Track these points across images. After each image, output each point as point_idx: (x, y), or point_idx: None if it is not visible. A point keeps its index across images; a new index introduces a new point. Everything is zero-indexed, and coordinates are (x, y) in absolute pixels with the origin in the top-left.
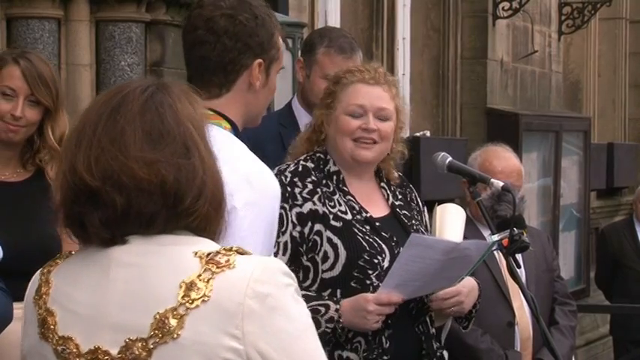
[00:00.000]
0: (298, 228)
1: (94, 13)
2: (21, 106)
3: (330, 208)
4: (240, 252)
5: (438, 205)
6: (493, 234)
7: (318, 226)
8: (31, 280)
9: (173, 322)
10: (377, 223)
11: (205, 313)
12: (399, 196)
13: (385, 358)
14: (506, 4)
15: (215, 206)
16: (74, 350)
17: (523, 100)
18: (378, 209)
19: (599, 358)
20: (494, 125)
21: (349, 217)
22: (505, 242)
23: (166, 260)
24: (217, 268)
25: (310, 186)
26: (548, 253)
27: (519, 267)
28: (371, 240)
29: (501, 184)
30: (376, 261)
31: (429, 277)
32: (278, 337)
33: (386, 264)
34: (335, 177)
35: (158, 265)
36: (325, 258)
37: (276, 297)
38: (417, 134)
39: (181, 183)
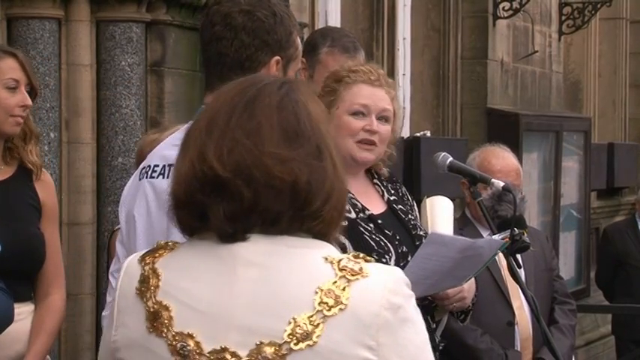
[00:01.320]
0: None
1: (94, 13)
2: (27, 96)
3: None
4: (366, 259)
5: (427, 197)
6: (494, 234)
7: None
8: (124, 270)
9: (310, 328)
10: (379, 221)
11: (342, 321)
12: (392, 192)
13: None
14: (507, 4)
15: (339, 212)
16: (195, 348)
17: (523, 100)
18: (375, 206)
19: (600, 358)
20: (495, 125)
21: (353, 215)
22: None
23: (297, 263)
24: (352, 275)
25: None
26: (547, 252)
27: (520, 267)
28: (377, 239)
29: (502, 184)
30: (384, 261)
31: (440, 275)
32: (408, 350)
33: (392, 263)
34: None
35: (289, 268)
36: None
37: (406, 309)
38: (417, 134)
39: (312, 185)
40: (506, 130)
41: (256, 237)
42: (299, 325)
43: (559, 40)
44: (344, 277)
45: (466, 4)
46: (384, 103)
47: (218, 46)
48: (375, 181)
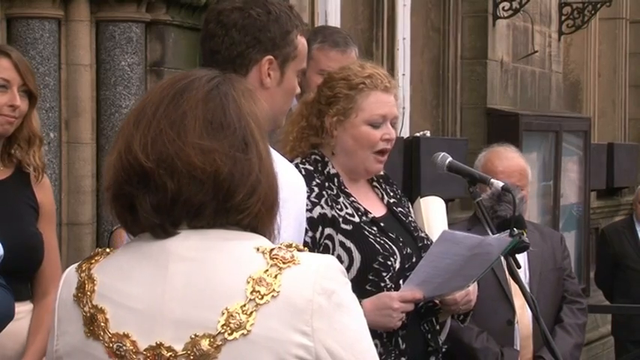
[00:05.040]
0: (310, 233)
1: (94, 13)
2: (17, 96)
3: (338, 211)
4: (299, 249)
5: (421, 198)
6: (493, 234)
7: (328, 230)
8: (63, 279)
9: (243, 317)
10: (381, 224)
11: (275, 308)
12: (391, 194)
13: (403, 359)
14: (507, 4)
15: (267, 207)
16: (131, 347)
17: (523, 100)
18: (377, 209)
19: (599, 358)
20: (495, 125)
21: (357, 219)
22: None
23: (228, 255)
24: (283, 263)
25: (316, 189)
26: (558, 253)
27: (519, 267)
28: (382, 242)
29: (501, 184)
30: (389, 263)
31: (450, 274)
32: (344, 335)
33: (397, 265)
34: (336, 179)
35: (220, 260)
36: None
37: (340, 294)
38: (417, 134)
39: (235, 177)
40: (506, 130)
41: (187, 232)
42: (232, 315)
43: (559, 40)
44: (275, 265)
45: (466, 4)
46: (395, 110)
47: (210, 44)
48: (375, 184)
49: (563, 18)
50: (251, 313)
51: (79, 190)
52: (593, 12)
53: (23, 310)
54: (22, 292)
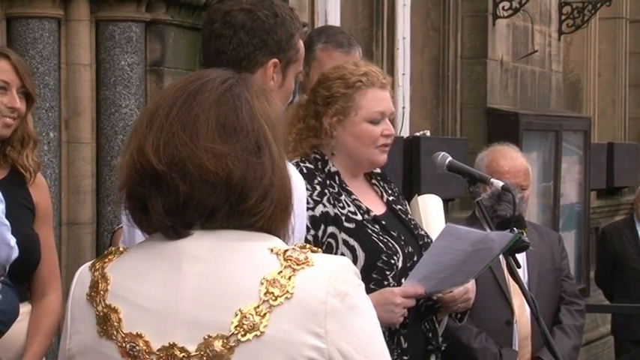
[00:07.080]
0: (312, 232)
1: (94, 12)
2: (17, 98)
3: (340, 209)
4: (312, 250)
5: (418, 196)
6: None
7: (331, 229)
8: (76, 278)
9: (256, 319)
10: (383, 222)
11: (288, 310)
12: (389, 192)
13: (405, 358)
14: (506, 4)
15: (281, 209)
16: (144, 347)
17: (523, 99)
18: (377, 207)
19: (599, 358)
20: (494, 125)
21: (359, 217)
22: None
23: (242, 256)
24: (297, 265)
25: (318, 188)
26: (556, 253)
27: (519, 267)
28: (385, 240)
29: (501, 183)
30: (392, 261)
31: (452, 269)
32: (358, 337)
33: (400, 264)
34: (336, 177)
35: (234, 261)
36: None
37: (354, 296)
38: (417, 134)
39: (248, 181)
40: (505, 129)
41: (201, 233)
42: (245, 317)
43: (559, 39)
44: (289, 266)
45: (466, 3)
46: (391, 105)
47: (216, 44)
48: (374, 181)
49: (563, 17)
50: (264, 314)
51: (79, 190)
52: (593, 11)
53: (22, 312)
54: (20, 293)
